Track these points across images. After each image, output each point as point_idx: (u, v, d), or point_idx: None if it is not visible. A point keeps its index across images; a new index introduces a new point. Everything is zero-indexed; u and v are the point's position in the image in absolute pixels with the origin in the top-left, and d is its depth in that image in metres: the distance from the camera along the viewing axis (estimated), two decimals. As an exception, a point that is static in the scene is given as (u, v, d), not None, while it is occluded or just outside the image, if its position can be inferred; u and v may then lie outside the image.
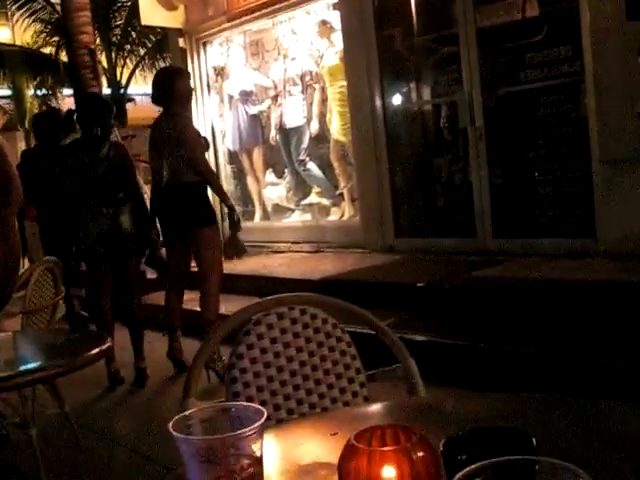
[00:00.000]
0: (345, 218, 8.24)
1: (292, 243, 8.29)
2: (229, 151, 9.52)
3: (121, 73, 15.30)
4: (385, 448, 0.90)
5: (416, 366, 1.79)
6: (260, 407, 0.97)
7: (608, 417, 1.36)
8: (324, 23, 8.16)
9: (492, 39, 6.57)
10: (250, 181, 9.27)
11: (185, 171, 5.05)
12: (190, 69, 9.26)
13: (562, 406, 1.43)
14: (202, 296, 5.19)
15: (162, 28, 10.08)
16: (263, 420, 0.94)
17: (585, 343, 4.23)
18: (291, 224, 8.82)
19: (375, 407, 1.58)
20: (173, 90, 5.12)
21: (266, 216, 9.25)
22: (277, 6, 8.26)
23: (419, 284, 5.62)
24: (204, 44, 9.55)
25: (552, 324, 4.56)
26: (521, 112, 6.40)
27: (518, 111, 6.43)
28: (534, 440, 0.96)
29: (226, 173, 9.62)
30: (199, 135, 5.48)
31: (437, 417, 1.42)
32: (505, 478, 0.80)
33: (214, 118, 9.54)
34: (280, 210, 9.19)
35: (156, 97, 5.27)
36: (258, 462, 0.94)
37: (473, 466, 0.79)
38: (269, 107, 8.94)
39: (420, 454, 0.90)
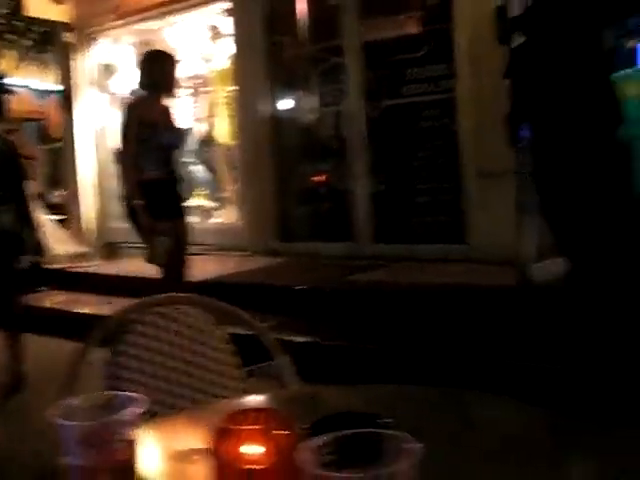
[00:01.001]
0: (229, 221, 8.33)
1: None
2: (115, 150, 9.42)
3: (-1, 64, 14.77)
4: (251, 427, 1.04)
5: (290, 362, 1.95)
6: (141, 395, 1.07)
7: (466, 404, 1.56)
8: (215, 28, 8.24)
9: (377, 52, 6.83)
10: (136, 181, 9.19)
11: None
12: (76, 65, 9.15)
13: (425, 395, 1.63)
14: None
15: (49, 21, 9.85)
16: (141, 406, 1.04)
17: (455, 341, 4.52)
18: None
19: (250, 399, 1.73)
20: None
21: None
22: (169, 8, 8.27)
23: (300, 287, 5.80)
24: (92, 40, 9.42)
25: (426, 325, 4.83)
26: (403, 124, 6.68)
27: (400, 123, 6.71)
28: (388, 421, 1.13)
29: (111, 172, 9.52)
30: None
31: (307, 406, 1.57)
32: (353, 449, 0.97)
33: (100, 116, 9.44)
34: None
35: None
36: (134, 446, 1.02)
37: (321, 437, 0.94)
38: (156, 108, 8.91)
39: (284, 433, 1.05)
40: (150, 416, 1.26)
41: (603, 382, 3.78)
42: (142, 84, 5.16)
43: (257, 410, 1.11)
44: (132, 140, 4.84)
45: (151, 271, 5.23)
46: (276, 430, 1.04)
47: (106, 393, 1.12)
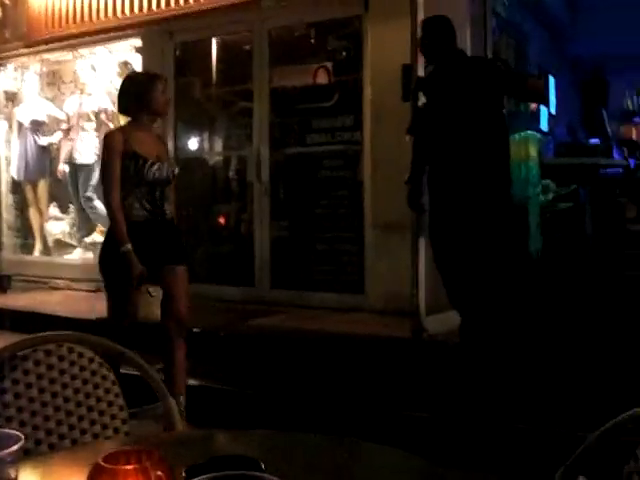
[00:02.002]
0: (129, 259, 8.19)
1: (72, 281, 8.13)
2: (13, 180, 9.21)
3: None
4: (127, 466, 1.06)
5: (175, 405, 1.96)
6: (17, 432, 1.08)
7: (347, 452, 1.60)
8: (125, 64, 8.22)
9: (285, 99, 6.95)
10: (32, 213, 9.00)
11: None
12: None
13: (304, 442, 1.66)
14: None
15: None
16: (20, 445, 1.05)
17: (345, 390, 4.58)
18: (72, 261, 8.64)
19: (132, 440, 1.72)
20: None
21: (47, 251, 9.00)
22: (78, 40, 8.16)
23: (195, 329, 5.75)
24: (-1, 66, 9.25)
25: (319, 372, 4.88)
26: (306, 172, 6.80)
27: (303, 171, 6.83)
28: (262, 465, 1.17)
29: (7, 203, 9.28)
30: None
31: (188, 449, 1.59)
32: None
33: (0, 144, 9.22)
34: (62, 246, 8.98)
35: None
36: None
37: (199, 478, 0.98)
38: (60, 140, 8.77)
39: (159, 473, 1.07)
40: (26, 454, 1.25)
41: (489, 432, 3.90)
42: (125, 107, 4.38)
43: (134, 450, 1.13)
44: (114, 176, 4.10)
45: (46, 306, 5.08)
46: (152, 470, 1.06)
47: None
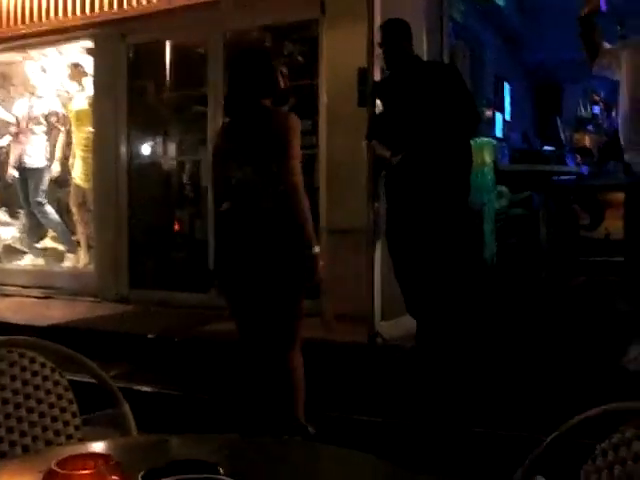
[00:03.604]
0: (80, 265, 8.10)
1: (22, 287, 7.98)
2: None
3: None
4: (81, 472, 1.02)
5: (130, 411, 1.91)
6: None
7: (304, 455, 1.59)
8: (76, 66, 8.09)
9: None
10: (-18, 219, 8.84)
11: None
12: None
13: (262, 446, 1.64)
14: None
15: None
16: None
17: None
18: (23, 267, 8.49)
19: (87, 446, 1.68)
20: None
21: (-6, 257, 8.84)
22: (29, 41, 8.01)
23: (149, 336, 5.69)
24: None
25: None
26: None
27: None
28: (221, 469, 1.14)
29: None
30: None
31: (145, 453, 1.55)
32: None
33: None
34: (12, 252, 8.81)
35: None
36: None
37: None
38: (9, 143, 8.61)
39: (114, 478, 1.03)
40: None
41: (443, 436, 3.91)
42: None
43: (88, 455, 1.09)
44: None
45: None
46: (108, 475, 1.03)
47: None
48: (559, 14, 7.58)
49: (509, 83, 9.45)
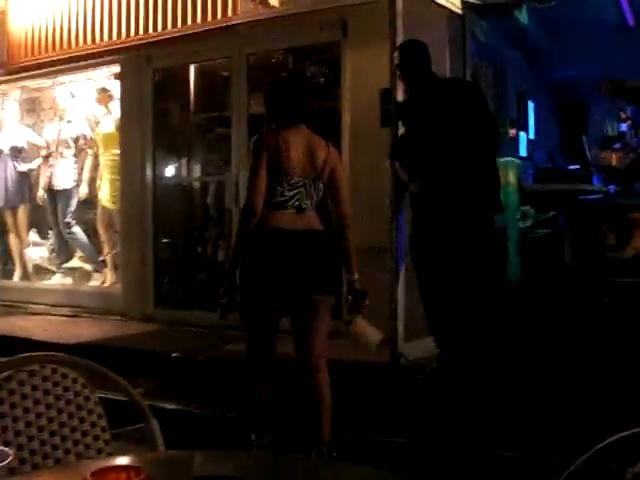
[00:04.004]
0: (106, 285, 8.19)
1: (51, 306, 8.09)
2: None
3: None
4: (115, 481, 1.06)
5: (158, 426, 1.95)
6: (4, 448, 1.09)
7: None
8: (104, 90, 8.22)
9: (263, 126, 6.96)
10: (12, 239, 8.97)
11: None
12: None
13: (285, 462, 1.67)
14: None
15: None
16: (8, 461, 1.06)
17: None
18: (51, 286, 8.60)
19: (117, 460, 1.72)
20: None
21: (26, 276, 8.96)
22: (58, 67, 8.19)
23: (174, 354, 5.74)
24: (-23, 93, 9.24)
25: (298, 397, 4.86)
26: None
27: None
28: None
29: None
30: None
31: (172, 469, 1.58)
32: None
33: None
34: (41, 271, 8.95)
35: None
36: None
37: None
38: (39, 166, 8.77)
39: (146, 489, 1.07)
40: (11, 473, 1.25)
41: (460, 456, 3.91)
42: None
43: (121, 467, 1.13)
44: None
45: (25, 331, 5.02)
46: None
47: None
48: (583, 30, 7.58)
49: (533, 101, 9.40)
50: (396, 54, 4.78)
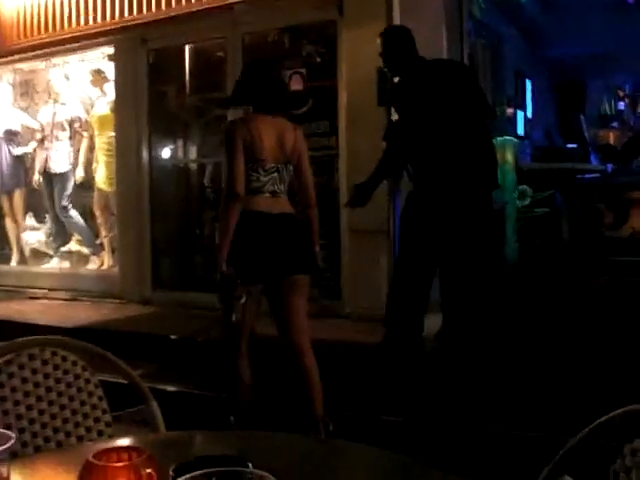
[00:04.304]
0: (104, 268, 8.19)
1: (49, 290, 8.09)
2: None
3: None
4: (118, 464, 1.06)
5: (158, 408, 1.95)
6: (7, 432, 1.08)
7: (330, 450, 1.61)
8: (98, 72, 8.17)
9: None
10: (8, 223, 8.95)
11: None
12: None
13: (286, 441, 1.67)
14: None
15: None
16: (11, 443, 1.05)
17: (326, 396, 4.59)
18: (49, 270, 8.59)
19: (118, 442, 1.72)
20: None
21: (23, 260, 8.94)
22: (52, 49, 8.16)
23: (173, 336, 5.75)
24: (-31, 76, 9.18)
25: (294, 377, 4.88)
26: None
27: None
28: (250, 465, 1.17)
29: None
30: None
31: (174, 449, 1.58)
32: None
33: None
34: (38, 255, 8.93)
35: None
36: None
37: (188, 475, 0.98)
38: (34, 150, 8.72)
39: (148, 470, 1.07)
40: (13, 456, 1.25)
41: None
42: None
43: (123, 448, 1.12)
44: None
45: (24, 315, 5.02)
46: (142, 468, 1.06)
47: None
48: (581, 8, 7.54)
49: (530, 80, 9.36)
50: (378, 41, 4.67)
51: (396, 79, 4.87)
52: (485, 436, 3.88)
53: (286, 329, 3.86)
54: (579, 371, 4.44)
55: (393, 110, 5.00)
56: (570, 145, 8.05)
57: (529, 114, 9.20)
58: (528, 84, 9.32)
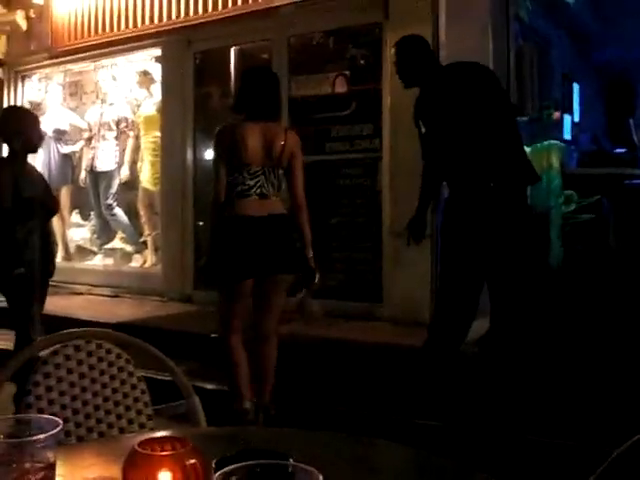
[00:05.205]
0: (147, 266, 8.28)
1: (92, 286, 8.20)
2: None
3: None
4: (162, 453, 1.07)
5: (200, 403, 1.96)
6: (55, 418, 1.10)
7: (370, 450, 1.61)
8: (145, 73, 8.29)
9: (303, 109, 6.97)
10: (55, 220, 9.08)
11: None
12: (6, 101, 9.06)
13: (325, 439, 1.67)
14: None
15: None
16: (58, 430, 1.07)
17: (361, 397, 4.58)
18: (92, 267, 8.73)
19: (160, 434, 1.73)
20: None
21: (68, 257, 9.08)
22: (100, 51, 8.30)
23: (213, 335, 5.77)
24: (23, 77, 9.36)
25: (333, 379, 4.88)
26: (324, 180, 6.80)
27: (321, 179, 6.82)
28: (291, 460, 1.17)
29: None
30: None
31: (215, 443, 1.59)
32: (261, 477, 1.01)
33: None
34: (83, 252, 9.08)
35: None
36: (51, 468, 1.07)
37: (231, 467, 0.98)
38: (82, 148, 8.88)
39: (192, 461, 1.07)
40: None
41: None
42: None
43: (167, 438, 1.13)
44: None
45: (68, 310, 5.08)
46: (186, 458, 1.07)
47: (23, 415, 1.14)
48: (630, 10, 7.40)
49: (578, 83, 9.24)
50: (393, 51, 4.58)
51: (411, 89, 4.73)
52: (522, 443, 3.83)
53: (259, 318, 4.23)
54: (623, 380, 4.36)
55: (421, 123, 4.90)
56: (618, 150, 7.91)
57: (576, 118, 9.08)
58: (576, 87, 9.19)
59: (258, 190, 4.00)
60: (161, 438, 1.13)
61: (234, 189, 4.00)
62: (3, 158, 4.73)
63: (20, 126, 4.50)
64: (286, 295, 4.28)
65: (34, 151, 4.80)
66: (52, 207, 4.91)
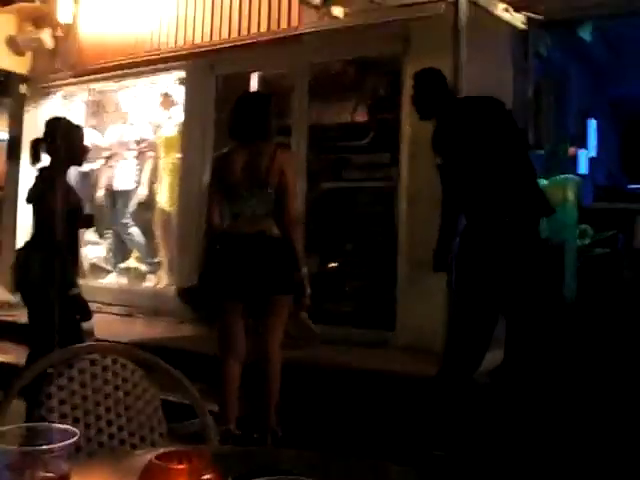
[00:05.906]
0: (160, 286, 8.30)
1: (105, 304, 8.22)
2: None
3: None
4: (179, 466, 1.08)
5: (213, 422, 1.97)
6: (72, 428, 1.11)
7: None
8: (167, 95, 8.37)
9: (322, 136, 7.02)
10: (71, 237, 9.15)
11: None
12: (29, 116, 9.17)
13: (338, 462, 1.68)
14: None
15: (5, 71, 9.84)
16: (74, 440, 1.08)
17: (371, 426, 4.56)
18: (106, 285, 8.75)
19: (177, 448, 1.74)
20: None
21: (82, 274, 9.10)
22: (124, 71, 8.34)
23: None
24: (47, 94, 9.46)
25: (345, 406, 4.86)
26: (340, 207, 6.83)
27: (338, 206, 6.86)
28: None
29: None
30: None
31: (229, 462, 1.60)
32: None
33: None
34: (97, 270, 9.11)
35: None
36: (65, 479, 1.08)
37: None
38: (101, 167, 8.94)
39: (208, 476, 1.09)
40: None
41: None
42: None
43: (185, 452, 1.15)
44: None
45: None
46: (203, 472, 1.08)
47: (39, 424, 1.15)
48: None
49: (595, 118, 9.27)
50: (410, 84, 4.61)
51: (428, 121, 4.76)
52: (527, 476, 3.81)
53: (259, 339, 4.30)
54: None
55: (437, 155, 4.91)
56: (633, 185, 7.92)
57: (592, 153, 9.10)
58: (592, 123, 9.22)
59: (249, 210, 4.15)
60: (179, 452, 1.15)
61: (226, 212, 4.24)
62: (50, 169, 4.61)
63: (67, 139, 4.50)
64: (285, 317, 4.33)
65: (79, 164, 4.85)
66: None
